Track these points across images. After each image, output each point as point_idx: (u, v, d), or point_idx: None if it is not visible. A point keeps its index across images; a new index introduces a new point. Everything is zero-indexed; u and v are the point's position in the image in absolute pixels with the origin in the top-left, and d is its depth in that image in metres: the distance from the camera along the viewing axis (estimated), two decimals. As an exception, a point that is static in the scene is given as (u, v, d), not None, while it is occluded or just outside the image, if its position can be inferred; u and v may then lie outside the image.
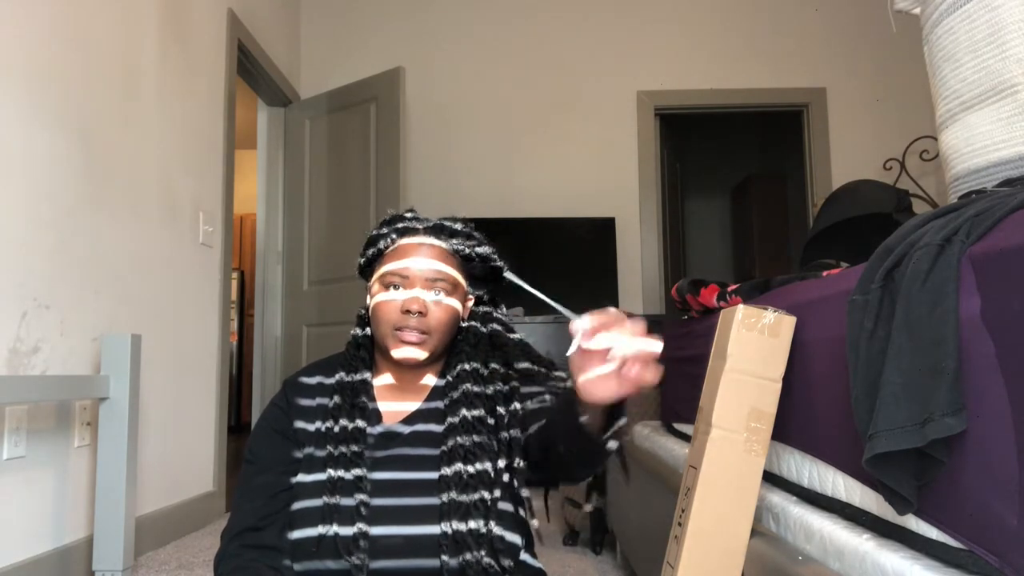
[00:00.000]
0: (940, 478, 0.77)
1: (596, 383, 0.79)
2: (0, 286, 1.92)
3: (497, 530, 0.98)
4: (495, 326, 1.16)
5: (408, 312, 1.05)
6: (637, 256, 4.52)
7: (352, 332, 1.16)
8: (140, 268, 2.61)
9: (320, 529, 0.99)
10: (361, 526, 0.98)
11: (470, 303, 1.16)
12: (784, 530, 1.10)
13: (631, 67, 4.64)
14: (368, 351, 1.14)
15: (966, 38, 1.18)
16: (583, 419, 0.90)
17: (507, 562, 0.98)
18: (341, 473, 1.02)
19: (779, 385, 1.10)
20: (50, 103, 2.14)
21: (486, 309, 1.18)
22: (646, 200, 4.59)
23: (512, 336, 1.16)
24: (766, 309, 1.11)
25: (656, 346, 0.77)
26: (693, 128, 5.79)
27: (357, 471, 1.02)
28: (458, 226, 1.13)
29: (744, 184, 6.48)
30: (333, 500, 1.00)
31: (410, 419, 1.09)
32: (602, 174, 4.58)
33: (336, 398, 1.09)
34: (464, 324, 1.14)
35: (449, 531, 0.97)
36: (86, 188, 2.30)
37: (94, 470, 2.17)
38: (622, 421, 0.92)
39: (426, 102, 4.56)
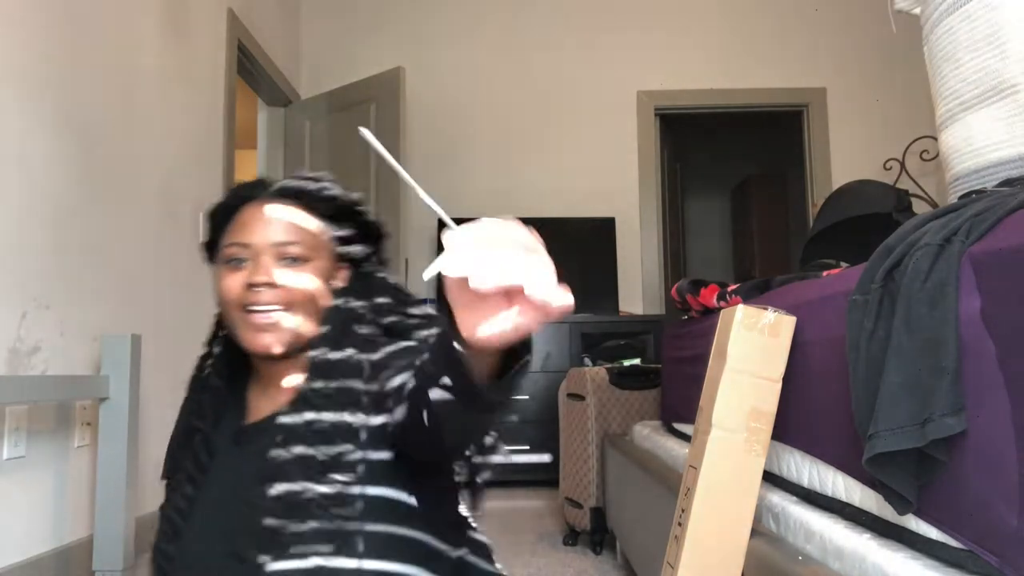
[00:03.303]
0: (940, 478, 0.77)
1: (494, 327, 0.58)
2: (0, 286, 1.92)
3: (352, 562, 0.79)
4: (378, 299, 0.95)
5: (253, 286, 0.86)
6: (637, 256, 4.52)
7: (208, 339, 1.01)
8: (140, 268, 2.61)
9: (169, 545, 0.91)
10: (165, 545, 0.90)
11: (344, 272, 0.94)
12: (784, 530, 1.10)
13: (631, 67, 4.64)
14: (239, 353, 0.94)
15: (966, 38, 1.18)
16: (466, 361, 0.65)
17: None
18: (188, 490, 0.91)
19: (779, 385, 1.10)
20: (50, 103, 2.14)
21: (368, 270, 0.96)
22: (646, 200, 4.59)
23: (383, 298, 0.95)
24: (766, 309, 1.11)
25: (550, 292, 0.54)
26: (693, 128, 5.79)
27: (190, 489, 0.91)
28: (310, 185, 0.92)
29: (744, 184, 6.48)
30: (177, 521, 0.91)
31: (267, 428, 0.88)
32: (602, 174, 4.58)
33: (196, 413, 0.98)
34: (337, 300, 0.91)
35: (295, 567, 0.78)
36: (86, 188, 2.30)
37: (94, 470, 2.17)
38: (527, 359, 0.66)
39: (426, 102, 4.56)
